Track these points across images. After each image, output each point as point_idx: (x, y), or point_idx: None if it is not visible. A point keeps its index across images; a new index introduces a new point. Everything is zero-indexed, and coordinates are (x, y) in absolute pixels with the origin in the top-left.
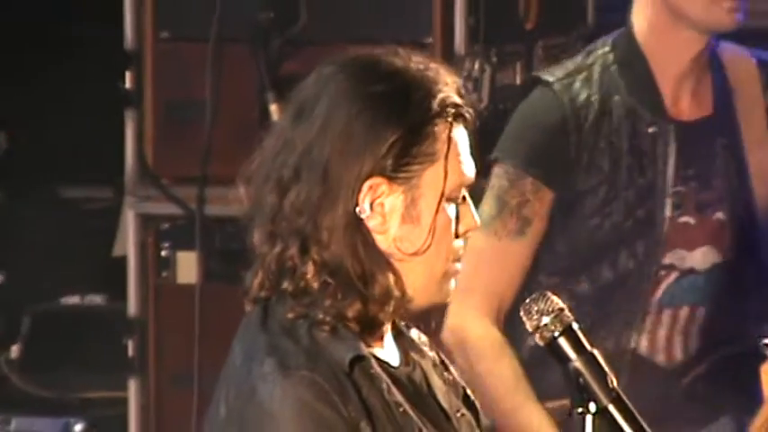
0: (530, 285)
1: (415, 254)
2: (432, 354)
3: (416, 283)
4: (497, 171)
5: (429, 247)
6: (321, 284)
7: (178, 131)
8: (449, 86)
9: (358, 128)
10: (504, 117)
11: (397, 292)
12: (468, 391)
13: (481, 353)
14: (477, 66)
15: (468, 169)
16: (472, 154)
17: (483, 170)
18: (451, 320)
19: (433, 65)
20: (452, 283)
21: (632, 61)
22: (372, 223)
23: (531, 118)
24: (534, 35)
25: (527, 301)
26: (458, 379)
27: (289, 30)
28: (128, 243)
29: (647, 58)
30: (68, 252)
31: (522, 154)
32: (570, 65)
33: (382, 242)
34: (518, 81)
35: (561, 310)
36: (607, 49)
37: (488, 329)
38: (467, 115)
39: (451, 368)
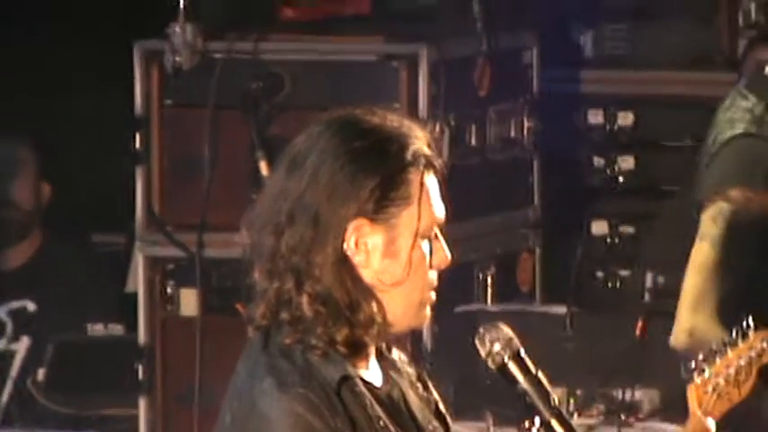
0: None
1: (395, 285)
2: (410, 370)
3: (397, 310)
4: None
5: (407, 278)
6: (314, 313)
7: (181, 185)
8: (420, 140)
9: (342, 178)
10: (459, 172)
11: (379, 319)
12: (440, 406)
13: None
14: (437, 128)
15: (439, 211)
16: (442, 198)
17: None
18: (688, 324)
19: (405, 121)
20: (428, 309)
21: None
22: (357, 259)
23: (749, 160)
24: (487, 101)
25: (480, 330)
26: (433, 395)
27: (275, 97)
28: (138, 281)
29: None
30: (89, 288)
31: (754, 180)
32: (739, 122)
33: (366, 275)
34: (473, 142)
35: (511, 338)
36: (754, 100)
37: (720, 331)
38: (436, 164)
39: (429, 385)
